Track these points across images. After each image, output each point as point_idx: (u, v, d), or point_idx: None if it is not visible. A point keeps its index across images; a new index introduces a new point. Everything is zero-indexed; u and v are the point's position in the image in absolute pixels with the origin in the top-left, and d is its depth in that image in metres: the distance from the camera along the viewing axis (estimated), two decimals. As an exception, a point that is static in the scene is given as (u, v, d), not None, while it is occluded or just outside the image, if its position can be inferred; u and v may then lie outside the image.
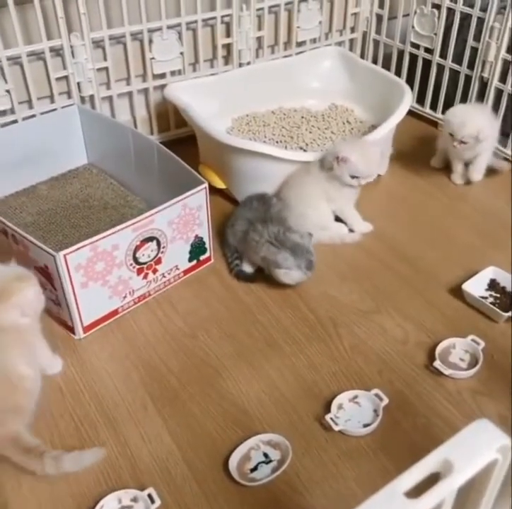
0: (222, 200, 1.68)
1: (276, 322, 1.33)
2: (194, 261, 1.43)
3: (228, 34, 1.83)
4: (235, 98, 1.86)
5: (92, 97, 1.72)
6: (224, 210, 1.61)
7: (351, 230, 1.56)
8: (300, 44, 1.98)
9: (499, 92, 1.75)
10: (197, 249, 1.42)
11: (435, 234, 1.57)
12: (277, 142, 1.79)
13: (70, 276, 1.18)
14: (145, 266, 1.31)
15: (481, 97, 1.81)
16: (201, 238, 1.41)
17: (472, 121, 1.56)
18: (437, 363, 1.20)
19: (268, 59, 1.94)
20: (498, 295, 1.35)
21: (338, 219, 1.56)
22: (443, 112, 1.90)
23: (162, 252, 1.33)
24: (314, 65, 1.96)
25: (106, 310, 1.30)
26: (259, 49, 1.92)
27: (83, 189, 1.69)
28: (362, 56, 2.09)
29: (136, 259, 1.28)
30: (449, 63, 1.85)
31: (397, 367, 1.22)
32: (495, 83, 1.75)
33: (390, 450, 1.08)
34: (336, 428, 1.09)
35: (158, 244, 1.31)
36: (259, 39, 1.90)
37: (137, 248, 1.27)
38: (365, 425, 1.10)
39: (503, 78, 1.73)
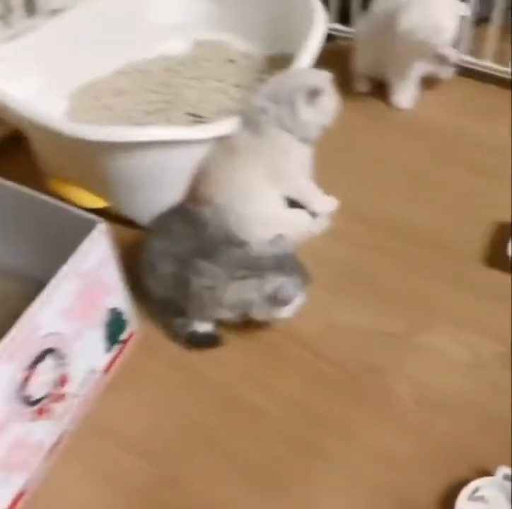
0: (110, 224, 1.09)
1: (288, 402, 0.83)
2: (115, 348, 0.86)
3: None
4: (63, 64, 1.22)
5: None
6: (122, 240, 1.04)
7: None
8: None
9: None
10: (115, 327, 0.85)
11: (419, 185, 1.13)
12: (149, 113, 1.22)
13: None
14: (45, 400, 0.73)
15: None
16: (116, 309, 0.84)
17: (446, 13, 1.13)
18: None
19: (90, -4, 1.31)
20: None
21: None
22: (343, 21, 1.45)
23: (65, 364, 0.75)
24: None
25: (6, 501, 0.71)
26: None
27: None
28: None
29: (27, 400, 0.70)
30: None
31: (499, 412, 0.80)
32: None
33: None
34: None
35: (57, 354, 0.73)
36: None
37: (25, 381, 0.68)
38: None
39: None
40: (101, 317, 0.81)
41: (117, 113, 1.22)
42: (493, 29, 1.28)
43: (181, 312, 0.90)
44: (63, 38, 1.21)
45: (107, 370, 0.85)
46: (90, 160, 0.99)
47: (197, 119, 1.19)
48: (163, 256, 0.89)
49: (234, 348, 0.89)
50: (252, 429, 0.80)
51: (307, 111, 0.96)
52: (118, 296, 0.84)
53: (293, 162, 0.99)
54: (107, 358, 0.85)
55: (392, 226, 1.05)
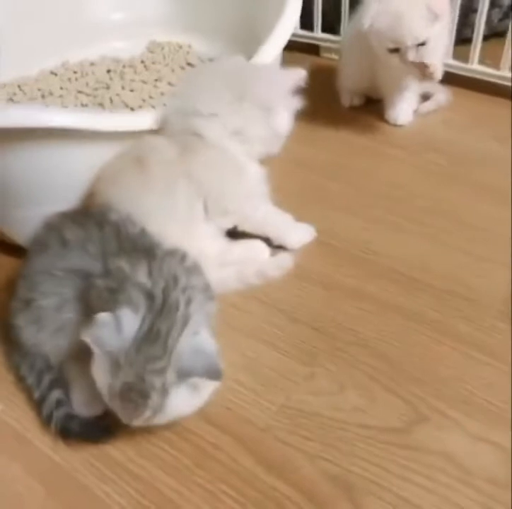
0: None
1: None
2: None
3: None
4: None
5: None
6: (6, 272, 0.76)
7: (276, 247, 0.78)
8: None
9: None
10: None
11: (427, 217, 0.84)
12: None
13: None
14: None
15: None
16: None
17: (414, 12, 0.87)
18: None
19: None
20: None
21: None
22: (326, 30, 1.21)
23: None
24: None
25: None
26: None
27: None
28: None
29: None
30: None
31: None
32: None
33: None
34: None
35: None
36: None
37: None
38: None
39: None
40: None
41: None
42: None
43: (56, 382, 0.60)
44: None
45: None
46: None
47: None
48: (47, 278, 0.59)
49: (138, 445, 0.57)
50: None
51: (285, 116, 0.70)
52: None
53: (249, 186, 0.72)
54: None
55: (384, 267, 0.76)
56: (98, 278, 0.57)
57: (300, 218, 0.80)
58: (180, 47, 1.14)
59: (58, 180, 0.70)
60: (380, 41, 0.91)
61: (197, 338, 0.54)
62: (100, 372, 0.52)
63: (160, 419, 0.53)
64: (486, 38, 1.10)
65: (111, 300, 0.54)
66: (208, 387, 0.54)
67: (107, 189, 0.67)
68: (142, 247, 0.60)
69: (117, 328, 0.51)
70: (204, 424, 0.59)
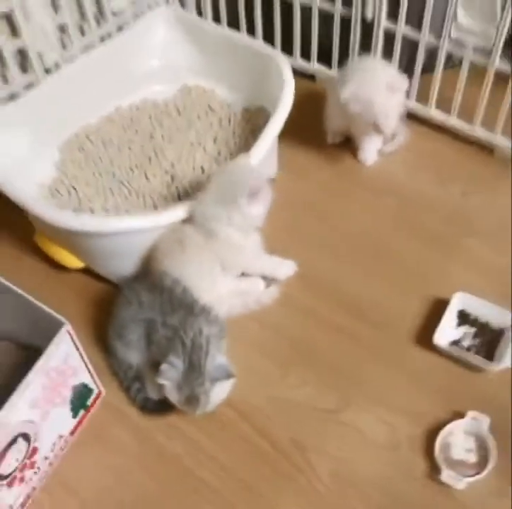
0: (86, 278, 1.22)
1: (225, 473, 0.97)
2: (81, 412, 1.01)
3: (15, 32, 1.25)
4: (54, 117, 1.32)
5: None
6: (96, 293, 1.19)
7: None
8: (116, 14, 1.42)
9: (389, 36, 1.36)
10: (81, 397, 0.99)
11: (372, 252, 1.22)
12: (131, 169, 1.32)
13: None
14: (16, 472, 0.88)
15: (365, 41, 1.41)
16: (81, 383, 0.98)
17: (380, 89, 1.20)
18: (446, 475, 0.93)
19: (80, 46, 1.38)
20: (474, 332, 1.09)
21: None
22: (323, 57, 1.51)
23: (35, 441, 0.89)
24: (145, 37, 1.44)
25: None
26: (63, 37, 1.35)
27: None
28: (199, 14, 1.57)
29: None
30: (317, 2, 1.41)
31: (401, 495, 0.93)
32: (383, 23, 1.35)
33: None
34: None
35: (27, 438, 0.87)
36: (61, 27, 1.33)
37: (-3, 464, 0.83)
38: None
39: (392, 15, 1.33)
40: (68, 396, 0.95)
41: (102, 167, 1.32)
42: (460, 81, 1.31)
43: (138, 377, 1.05)
44: (56, 94, 1.31)
45: (73, 432, 1.00)
46: (66, 233, 1.09)
47: (173, 179, 1.29)
48: (130, 321, 1.02)
49: (185, 416, 1.02)
50: (184, 494, 0.96)
51: (252, 207, 1.05)
52: (84, 373, 0.97)
53: (248, 254, 1.12)
54: (74, 422, 1.00)
55: (340, 297, 1.16)
56: (160, 326, 0.99)
57: (284, 254, 1.18)
58: (205, 91, 1.46)
59: (125, 249, 1.11)
60: (357, 114, 1.24)
61: (216, 360, 0.96)
62: (172, 394, 0.96)
63: (209, 408, 0.96)
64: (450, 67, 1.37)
65: (166, 346, 0.97)
66: (229, 383, 0.97)
67: (162, 259, 1.08)
68: (186, 305, 1.01)
69: (173, 369, 0.94)
70: (223, 407, 1.03)
